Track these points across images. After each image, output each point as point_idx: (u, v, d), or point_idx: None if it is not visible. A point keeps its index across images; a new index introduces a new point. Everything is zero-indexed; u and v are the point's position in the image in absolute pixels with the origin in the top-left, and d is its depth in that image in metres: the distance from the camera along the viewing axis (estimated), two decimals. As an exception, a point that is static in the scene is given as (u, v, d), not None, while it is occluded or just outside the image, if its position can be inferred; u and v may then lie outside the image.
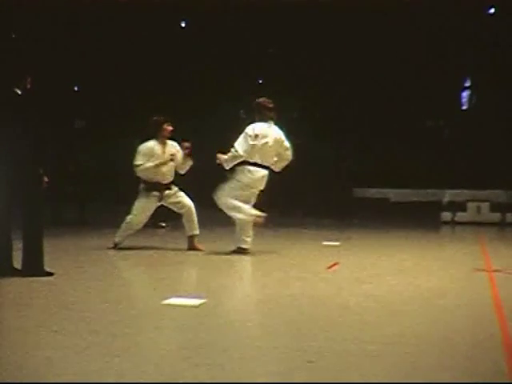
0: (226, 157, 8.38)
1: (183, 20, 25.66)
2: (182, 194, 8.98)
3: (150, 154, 8.79)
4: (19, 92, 6.30)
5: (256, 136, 8.34)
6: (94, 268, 7.37)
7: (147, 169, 8.74)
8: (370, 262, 8.20)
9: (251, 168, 8.39)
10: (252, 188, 8.49)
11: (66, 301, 5.32)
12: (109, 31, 23.56)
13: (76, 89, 25.26)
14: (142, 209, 8.81)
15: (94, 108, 24.29)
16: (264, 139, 8.38)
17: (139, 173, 8.81)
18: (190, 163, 8.97)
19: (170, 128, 8.88)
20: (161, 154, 8.83)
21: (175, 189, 8.96)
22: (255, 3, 21.14)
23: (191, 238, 8.89)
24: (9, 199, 6.29)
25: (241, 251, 8.43)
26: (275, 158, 8.60)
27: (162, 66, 24.02)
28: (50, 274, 6.32)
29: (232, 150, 8.35)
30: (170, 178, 8.93)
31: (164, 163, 8.80)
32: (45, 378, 3.33)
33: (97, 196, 15.27)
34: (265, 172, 8.49)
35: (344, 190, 17.46)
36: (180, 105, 20.48)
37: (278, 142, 8.53)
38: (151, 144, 8.84)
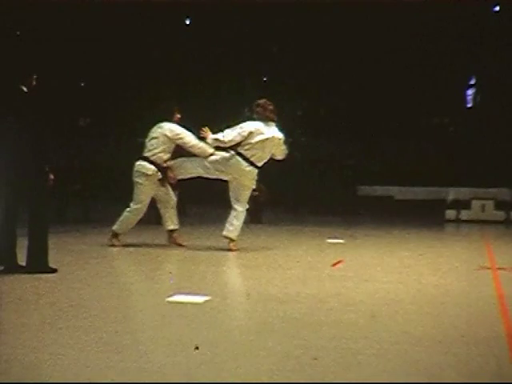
0: (212, 136, 8.42)
1: (187, 17, 25.64)
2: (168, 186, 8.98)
3: None
4: (25, 90, 6.32)
5: (250, 133, 8.34)
6: (98, 265, 7.38)
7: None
8: (375, 259, 8.20)
9: (239, 158, 8.40)
10: (232, 175, 8.48)
11: (70, 298, 5.33)
12: (113, 29, 23.57)
13: (81, 87, 25.30)
14: (146, 195, 8.77)
15: (99, 106, 24.32)
16: (259, 137, 8.36)
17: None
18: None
19: (179, 116, 8.92)
20: None
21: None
22: (260, 2, 21.14)
23: (172, 232, 8.91)
24: (14, 196, 6.31)
25: (230, 248, 8.42)
26: (267, 159, 8.61)
27: (166, 64, 24.04)
28: (54, 271, 6.34)
29: (220, 133, 8.39)
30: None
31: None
32: (48, 375, 3.33)
33: (101, 194, 15.28)
34: (252, 168, 8.48)
35: (348, 188, 17.45)
36: (184, 103, 20.49)
37: (274, 142, 8.51)
38: None
